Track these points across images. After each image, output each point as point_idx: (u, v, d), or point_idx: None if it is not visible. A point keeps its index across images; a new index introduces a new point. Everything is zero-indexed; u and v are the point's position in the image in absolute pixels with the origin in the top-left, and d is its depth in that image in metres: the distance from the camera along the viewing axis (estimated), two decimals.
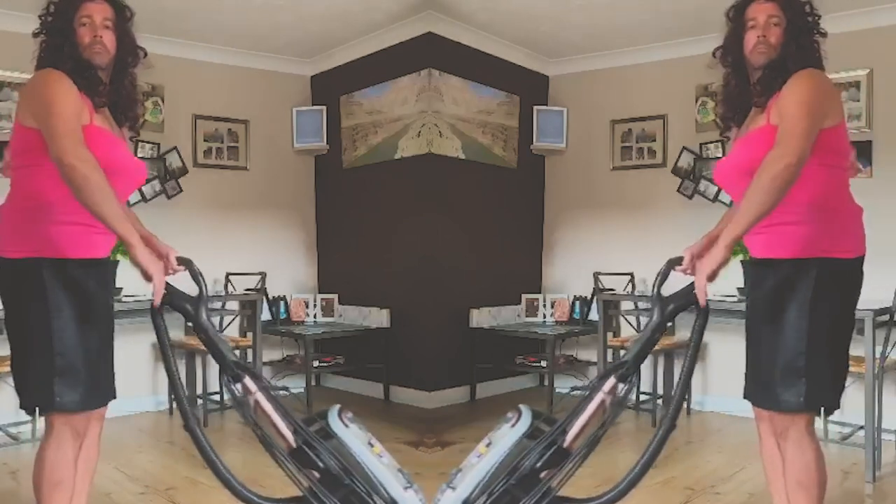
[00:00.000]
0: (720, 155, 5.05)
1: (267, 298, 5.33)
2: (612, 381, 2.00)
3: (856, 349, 3.98)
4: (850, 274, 2.13)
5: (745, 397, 2.31)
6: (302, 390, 4.99)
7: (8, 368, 3.82)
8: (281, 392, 5.94)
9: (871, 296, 4.07)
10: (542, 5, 4.66)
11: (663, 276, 2.18)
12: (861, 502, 3.25)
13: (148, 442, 4.32)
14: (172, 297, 2.07)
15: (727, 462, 3.78)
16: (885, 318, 3.54)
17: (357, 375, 5.49)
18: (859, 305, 3.69)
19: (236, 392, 1.99)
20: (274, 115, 5.72)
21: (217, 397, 4.99)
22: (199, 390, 4.89)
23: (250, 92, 5.62)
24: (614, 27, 5.00)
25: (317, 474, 1.89)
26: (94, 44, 2.13)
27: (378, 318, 5.33)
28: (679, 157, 5.26)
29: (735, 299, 4.31)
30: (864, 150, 4.45)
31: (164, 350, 2.06)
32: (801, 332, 2.05)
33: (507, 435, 1.92)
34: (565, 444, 1.92)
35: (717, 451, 4.07)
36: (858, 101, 4.46)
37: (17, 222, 2.06)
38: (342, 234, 5.79)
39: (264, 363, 4.92)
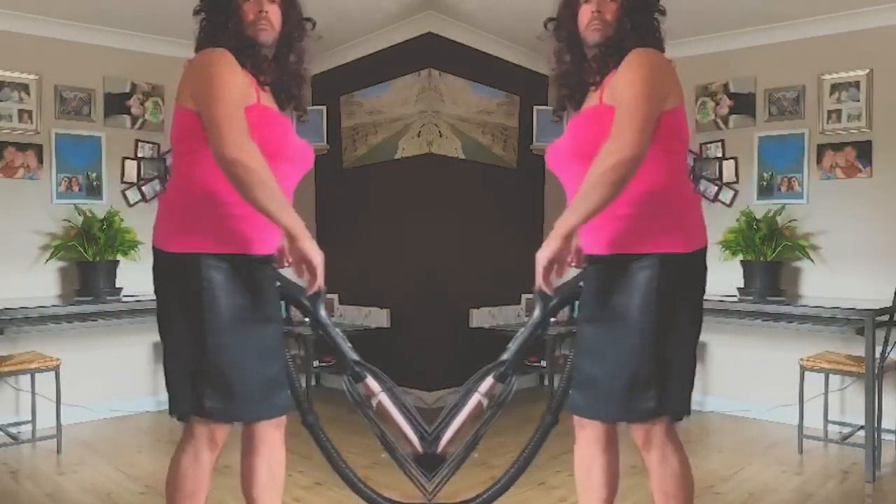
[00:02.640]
0: (720, 155, 5.06)
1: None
2: (489, 381, 1.89)
3: (856, 349, 4.01)
4: (693, 268, 1.93)
5: (580, 413, 2.07)
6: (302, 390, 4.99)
7: (8, 368, 3.84)
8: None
9: (872, 296, 4.09)
10: (543, 5, 4.64)
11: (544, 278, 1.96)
12: (861, 502, 3.25)
13: (148, 442, 4.32)
14: (289, 291, 1.97)
15: (727, 462, 3.78)
16: (885, 318, 3.54)
17: None
18: (859, 305, 3.72)
19: (356, 393, 1.90)
20: None
21: None
22: None
23: None
24: None
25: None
26: (258, 20, 1.97)
27: (378, 318, 5.33)
28: None
29: (735, 299, 4.32)
30: (864, 150, 4.45)
31: (331, 334, 1.94)
32: (646, 334, 1.86)
33: None
34: (438, 450, 1.83)
35: (716, 451, 4.07)
36: (858, 101, 4.46)
37: (179, 213, 1.92)
38: (342, 234, 5.79)
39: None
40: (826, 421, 4.03)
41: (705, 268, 1.97)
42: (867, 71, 4.43)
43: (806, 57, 4.64)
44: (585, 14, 1.97)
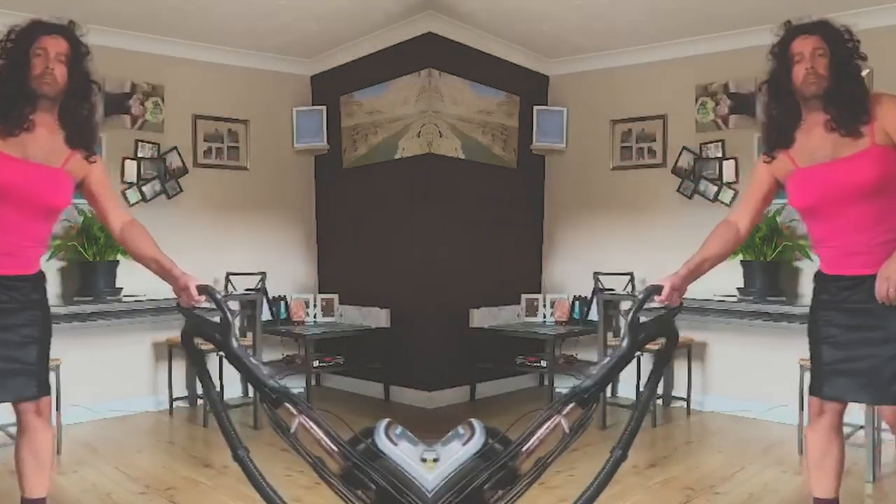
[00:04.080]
0: (720, 155, 5.05)
1: (267, 298, 5.33)
2: (572, 405, 1.93)
3: None
4: None
5: (841, 398, 2.40)
6: (302, 390, 4.98)
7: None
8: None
9: None
10: (542, 5, 4.66)
11: (641, 304, 2.13)
12: (861, 502, 3.25)
13: (148, 442, 4.32)
14: (202, 327, 2.04)
15: (727, 462, 3.78)
16: None
17: (357, 375, 5.49)
18: None
19: (277, 418, 1.92)
20: (274, 115, 5.72)
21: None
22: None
23: (250, 92, 5.62)
24: (614, 27, 4.99)
25: (371, 496, 1.82)
26: (44, 75, 2.26)
27: (378, 318, 5.33)
28: (679, 157, 5.26)
29: (735, 299, 4.32)
30: None
31: (246, 365, 2.02)
32: None
33: (456, 453, 1.84)
34: (517, 466, 1.85)
35: (716, 450, 4.07)
36: None
37: None
38: (342, 234, 5.79)
39: (264, 363, 4.91)
40: None
41: None
42: (867, 71, 4.42)
43: None
44: (800, 71, 2.29)
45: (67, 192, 2.39)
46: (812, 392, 2.42)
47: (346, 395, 5.46)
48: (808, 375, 3.87)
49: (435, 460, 1.84)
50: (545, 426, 1.90)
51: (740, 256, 4.52)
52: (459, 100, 5.19)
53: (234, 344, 2.00)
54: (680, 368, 4.94)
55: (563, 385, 5.49)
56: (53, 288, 4.58)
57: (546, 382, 5.21)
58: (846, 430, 4.03)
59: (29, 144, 2.28)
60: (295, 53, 5.66)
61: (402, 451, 1.84)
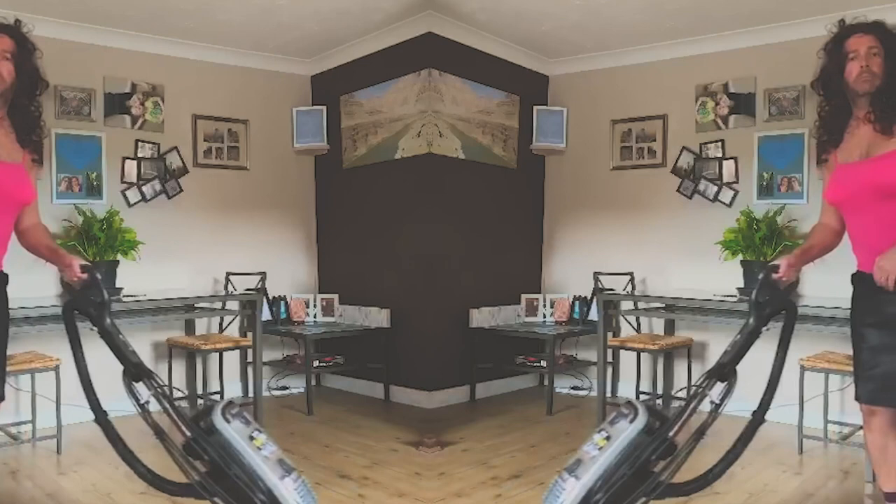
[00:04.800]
0: (720, 155, 5.05)
1: (267, 298, 5.34)
2: (714, 381, 2.23)
3: None
4: None
5: (876, 402, 2.39)
6: (302, 390, 4.99)
7: (8, 368, 3.83)
8: (282, 391, 5.92)
9: None
10: (542, 5, 4.66)
11: (762, 283, 2.29)
12: (861, 502, 3.25)
13: (148, 442, 4.30)
14: (78, 302, 2.31)
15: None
16: None
17: (357, 375, 5.49)
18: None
19: (134, 391, 2.32)
20: (274, 115, 5.72)
21: (217, 397, 5.00)
22: (200, 390, 4.90)
23: (250, 92, 5.62)
24: (614, 27, 4.99)
25: (204, 467, 2.13)
26: None
27: (378, 318, 5.33)
28: (679, 157, 5.26)
29: (735, 299, 4.31)
30: None
31: (115, 342, 2.39)
32: None
33: (625, 430, 2.11)
34: (673, 439, 2.13)
35: (717, 451, 4.07)
36: None
37: None
38: (342, 234, 5.79)
39: (264, 363, 4.92)
40: (826, 421, 4.04)
41: None
42: None
43: (806, 57, 4.59)
44: (854, 69, 2.31)
45: (32, 187, 2.46)
46: (855, 396, 2.44)
47: (346, 395, 5.46)
48: (808, 375, 3.90)
49: (607, 438, 2.14)
50: (694, 402, 2.20)
51: (740, 256, 4.52)
52: (459, 100, 5.19)
53: (107, 321, 2.38)
54: (680, 368, 4.94)
55: (563, 385, 5.51)
56: (53, 288, 4.59)
57: (546, 382, 5.21)
58: (846, 429, 4.06)
59: None
60: (295, 53, 5.66)
61: (234, 429, 2.14)
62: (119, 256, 4.53)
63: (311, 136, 5.75)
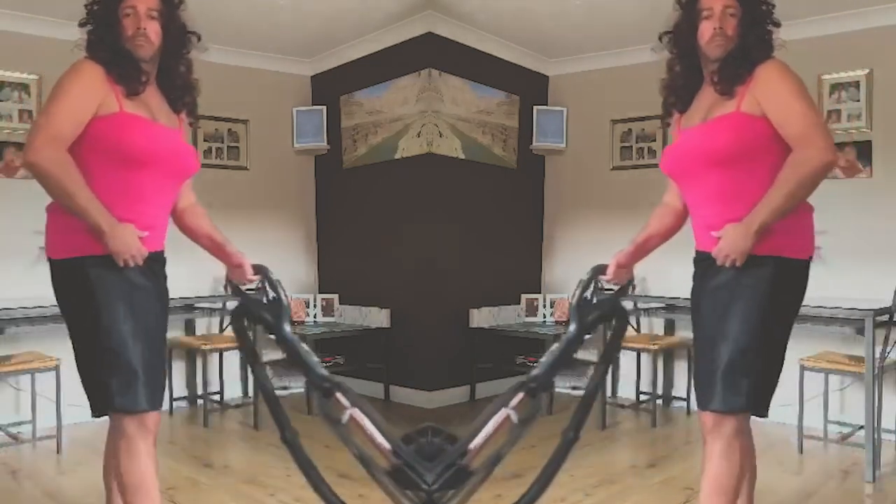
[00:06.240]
0: None
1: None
2: (520, 396, 1.88)
3: (856, 349, 4.00)
4: (801, 275, 2.04)
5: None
6: (302, 390, 4.99)
7: (8, 368, 3.84)
8: (282, 391, 5.90)
9: (871, 296, 4.09)
10: (542, 5, 4.66)
11: (585, 285, 2.05)
12: (861, 502, 3.25)
13: None
14: (250, 307, 1.94)
15: None
16: (885, 318, 3.54)
17: (357, 375, 5.48)
18: (859, 305, 3.72)
19: (327, 409, 1.88)
20: (274, 115, 5.72)
21: (217, 397, 5.00)
22: (200, 390, 4.90)
23: (250, 92, 5.62)
24: (614, 27, 4.99)
25: (422, 495, 1.78)
26: (136, 36, 2.07)
27: (378, 318, 5.33)
28: None
29: None
30: (864, 151, 4.45)
31: (298, 351, 1.94)
32: (750, 329, 1.95)
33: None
34: (466, 463, 1.81)
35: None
36: (858, 101, 4.46)
37: (57, 223, 2.02)
38: (342, 234, 5.79)
39: (264, 363, 4.91)
40: (826, 421, 4.03)
41: (808, 276, 2.06)
42: (867, 71, 4.43)
43: (806, 57, 4.61)
44: (707, 29, 2.07)
45: (196, 156, 2.31)
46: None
47: None
48: (808, 375, 3.89)
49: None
50: (493, 421, 1.84)
51: None
52: (459, 100, 5.19)
53: (287, 328, 1.97)
54: (680, 368, 4.95)
55: (563, 385, 5.50)
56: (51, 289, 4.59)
57: None
58: (845, 430, 4.06)
59: (152, 105, 2.13)
60: (295, 53, 5.66)
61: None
62: None
63: (311, 136, 5.74)
